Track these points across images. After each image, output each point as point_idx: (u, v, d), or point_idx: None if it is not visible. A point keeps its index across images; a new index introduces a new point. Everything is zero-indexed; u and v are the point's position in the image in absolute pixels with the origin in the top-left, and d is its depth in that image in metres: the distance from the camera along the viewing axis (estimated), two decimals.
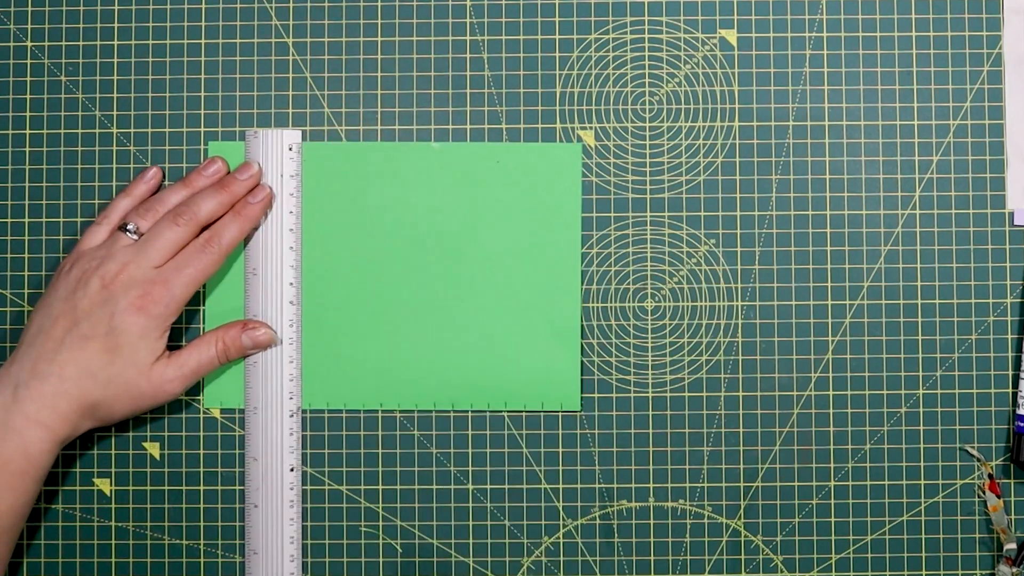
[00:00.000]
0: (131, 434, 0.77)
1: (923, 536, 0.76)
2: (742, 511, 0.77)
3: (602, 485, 0.77)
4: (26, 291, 0.78)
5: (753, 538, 0.77)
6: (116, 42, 0.78)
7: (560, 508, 0.77)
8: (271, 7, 0.78)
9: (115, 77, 0.78)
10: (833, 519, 0.76)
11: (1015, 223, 0.77)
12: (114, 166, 0.78)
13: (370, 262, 0.77)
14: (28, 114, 0.78)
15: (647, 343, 0.77)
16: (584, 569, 0.77)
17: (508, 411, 0.77)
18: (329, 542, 0.77)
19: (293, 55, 0.78)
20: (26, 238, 0.78)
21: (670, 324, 0.77)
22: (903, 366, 0.76)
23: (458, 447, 0.77)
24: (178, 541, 0.77)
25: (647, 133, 0.77)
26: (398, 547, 0.77)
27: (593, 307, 0.77)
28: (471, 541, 0.77)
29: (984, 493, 0.76)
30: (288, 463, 0.76)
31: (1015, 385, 0.76)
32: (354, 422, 0.77)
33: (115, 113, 0.78)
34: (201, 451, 0.77)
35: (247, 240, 0.76)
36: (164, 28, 0.78)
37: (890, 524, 0.76)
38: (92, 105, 0.78)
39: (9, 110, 0.78)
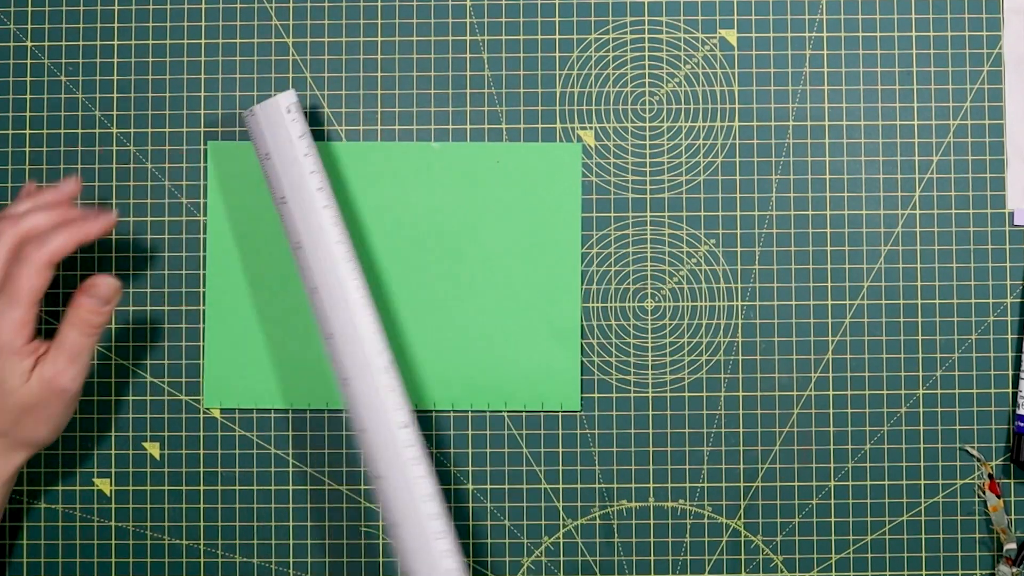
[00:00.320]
0: (131, 434, 0.77)
1: (923, 536, 0.76)
2: (742, 511, 0.77)
3: (602, 485, 0.77)
4: None
5: (753, 538, 0.77)
6: (116, 42, 0.78)
7: (560, 508, 0.77)
8: (271, 7, 0.78)
9: (115, 77, 0.78)
10: (833, 519, 0.76)
11: (1015, 223, 0.77)
12: (114, 166, 0.78)
13: (370, 262, 0.77)
14: (28, 114, 0.78)
15: (647, 343, 0.77)
16: (584, 569, 0.77)
17: (508, 411, 0.77)
18: (329, 542, 0.77)
19: (293, 55, 0.78)
20: None
21: (670, 324, 0.77)
22: (903, 366, 0.76)
23: (458, 447, 0.77)
24: (178, 541, 0.77)
25: (647, 133, 0.77)
26: None
27: (593, 307, 0.77)
28: (471, 541, 0.77)
29: (984, 493, 0.76)
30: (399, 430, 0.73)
31: (1015, 385, 0.76)
32: None
33: (115, 113, 0.78)
34: (201, 451, 0.77)
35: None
36: (164, 28, 0.78)
37: (890, 524, 0.76)
38: (92, 105, 0.78)
39: (9, 110, 0.78)
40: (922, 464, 0.76)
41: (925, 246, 0.77)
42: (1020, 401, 0.75)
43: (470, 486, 0.77)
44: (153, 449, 0.77)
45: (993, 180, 0.77)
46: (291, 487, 0.77)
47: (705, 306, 0.77)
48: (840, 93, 0.77)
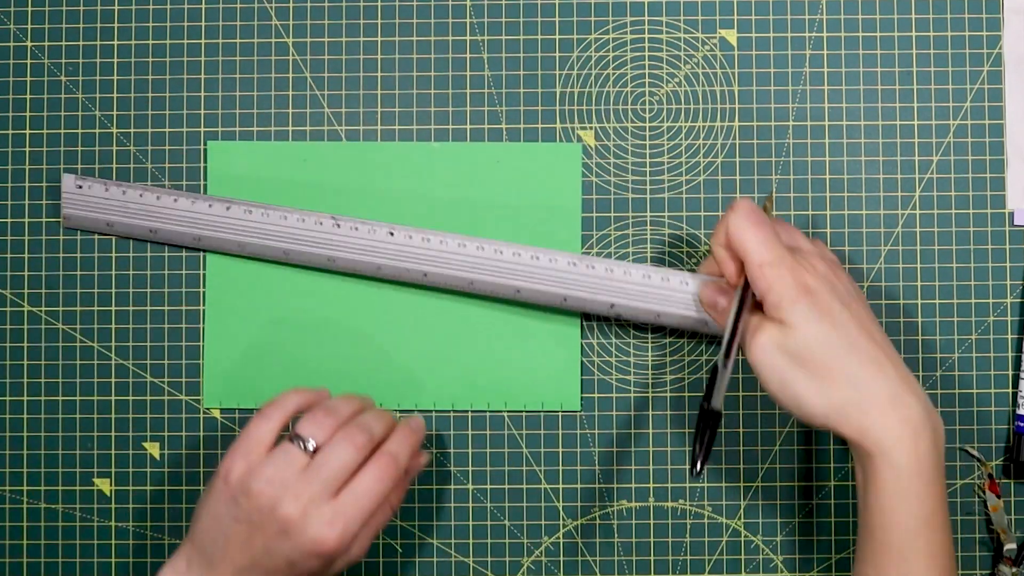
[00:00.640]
0: (131, 434, 0.77)
1: None
2: (742, 511, 0.77)
3: (602, 485, 0.77)
4: (26, 291, 0.78)
5: (753, 538, 0.77)
6: (116, 42, 0.78)
7: (560, 508, 0.77)
8: (271, 7, 0.78)
9: (115, 77, 0.78)
10: (833, 519, 0.76)
11: (1015, 223, 0.77)
12: (114, 166, 0.78)
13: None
14: (28, 114, 0.78)
15: (647, 343, 0.77)
16: (584, 569, 0.77)
17: (508, 411, 0.77)
18: None
19: (293, 55, 0.78)
20: (26, 238, 0.78)
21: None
22: None
23: (458, 447, 0.77)
24: (178, 541, 0.77)
25: (647, 133, 0.77)
26: (398, 547, 0.77)
27: None
28: (471, 541, 0.77)
29: (984, 493, 0.76)
30: None
31: (1015, 385, 0.76)
32: None
33: (115, 113, 0.78)
34: (201, 451, 0.77)
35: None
36: (164, 28, 0.78)
37: None
38: (92, 105, 0.78)
39: (9, 110, 0.78)
40: None
41: (925, 246, 0.77)
42: (1020, 401, 0.75)
43: (470, 486, 0.77)
44: (153, 449, 0.77)
45: (993, 180, 0.77)
46: None
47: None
48: (840, 93, 0.77)
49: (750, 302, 0.66)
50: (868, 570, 0.65)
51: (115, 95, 0.78)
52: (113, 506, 0.77)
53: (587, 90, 0.78)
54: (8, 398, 0.77)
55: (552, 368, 0.76)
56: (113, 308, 0.78)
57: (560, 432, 0.77)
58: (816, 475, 0.77)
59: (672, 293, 0.73)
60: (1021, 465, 0.75)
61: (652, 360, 0.77)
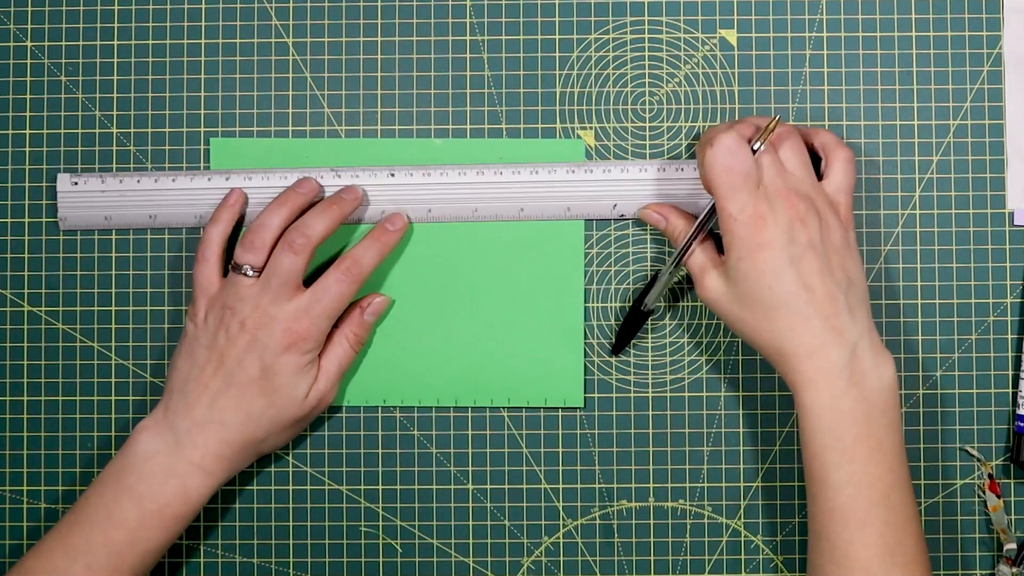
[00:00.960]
0: (130, 434, 0.77)
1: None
2: (742, 511, 0.77)
3: (602, 485, 0.77)
4: (26, 291, 0.78)
5: (753, 538, 0.77)
6: (116, 42, 0.78)
7: (560, 508, 0.77)
8: (271, 7, 0.78)
9: (115, 77, 0.78)
10: None
11: (1015, 223, 0.77)
12: (114, 166, 0.78)
13: None
14: (28, 114, 0.78)
15: (647, 343, 0.77)
16: (584, 569, 0.77)
17: (508, 411, 0.77)
18: (329, 542, 0.77)
19: (293, 55, 0.78)
20: (26, 238, 0.78)
21: (670, 324, 0.77)
22: (903, 366, 0.76)
23: (458, 447, 0.77)
24: (178, 541, 0.77)
25: (647, 133, 0.77)
26: (398, 547, 0.77)
27: (593, 307, 0.77)
28: (471, 541, 0.77)
29: (984, 493, 0.76)
30: None
31: (1015, 385, 0.76)
32: (354, 422, 0.77)
33: (115, 113, 0.78)
34: None
35: None
36: (164, 28, 0.78)
37: None
38: (92, 105, 0.78)
39: (9, 110, 0.78)
40: (922, 464, 0.76)
41: (925, 246, 0.77)
42: (1020, 401, 0.75)
43: (470, 486, 0.77)
44: None
45: (993, 180, 0.77)
46: (291, 487, 0.77)
47: (705, 306, 0.77)
48: (840, 93, 0.77)
49: (707, 227, 0.71)
50: (808, 503, 0.69)
51: (115, 95, 0.78)
52: None
53: (587, 90, 0.78)
54: (8, 398, 0.77)
55: (555, 364, 0.76)
56: (113, 308, 0.78)
57: (560, 432, 0.77)
58: None
59: (669, 183, 0.75)
60: (1021, 465, 0.75)
61: (652, 360, 0.77)
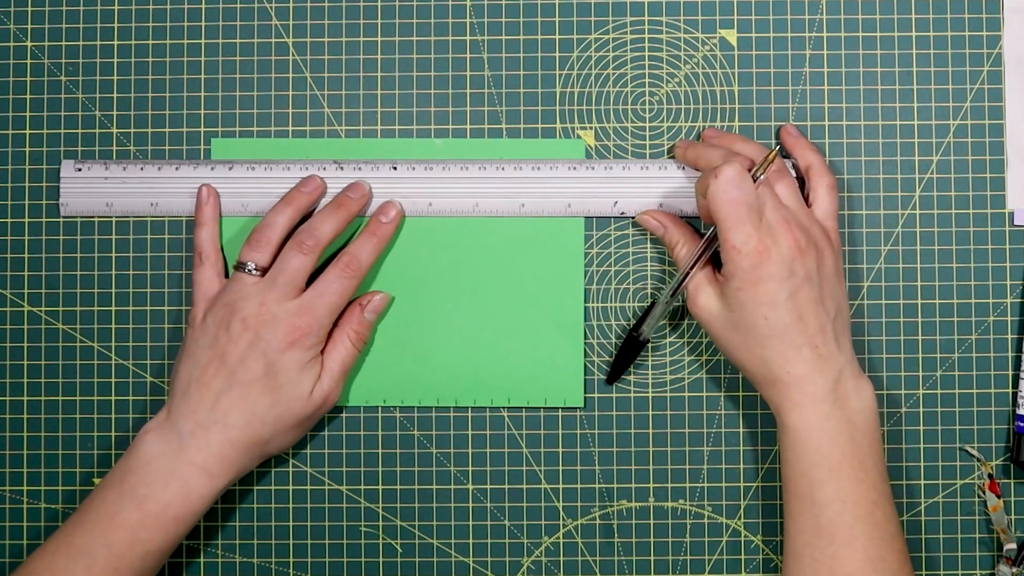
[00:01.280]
0: (131, 434, 0.77)
1: (923, 536, 0.76)
2: (742, 511, 0.77)
3: (602, 485, 0.77)
4: (26, 291, 0.78)
5: (753, 538, 0.77)
6: (116, 42, 0.78)
7: (560, 508, 0.77)
8: (271, 7, 0.78)
9: (115, 77, 0.78)
10: None
11: (1015, 223, 0.77)
12: None
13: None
14: (28, 114, 0.78)
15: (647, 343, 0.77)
16: (584, 569, 0.77)
17: (508, 411, 0.77)
18: (329, 542, 0.77)
19: (293, 55, 0.78)
20: (26, 238, 0.78)
21: (670, 324, 0.77)
22: (903, 366, 0.76)
23: (458, 447, 0.77)
24: None
25: (647, 133, 0.77)
26: (398, 547, 0.77)
27: (593, 307, 0.77)
28: (471, 541, 0.77)
29: (984, 493, 0.76)
30: None
31: (1015, 385, 0.76)
32: (354, 422, 0.77)
33: (115, 113, 0.78)
34: None
35: None
36: (164, 28, 0.78)
37: None
38: (92, 105, 0.78)
39: (9, 110, 0.78)
40: (922, 464, 0.76)
41: (925, 246, 0.77)
42: (1020, 401, 0.75)
43: (470, 486, 0.77)
44: None
45: (993, 180, 0.77)
46: (291, 487, 0.77)
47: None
48: (840, 93, 0.77)
49: (707, 256, 0.72)
50: (787, 522, 0.69)
51: (115, 95, 0.78)
52: None
53: (587, 90, 0.78)
54: (8, 398, 0.77)
55: (555, 363, 0.76)
56: (113, 308, 0.78)
57: (560, 432, 0.77)
58: None
59: (670, 181, 0.75)
60: (1021, 465, 0.75)
61: (652, 360, 0.77)
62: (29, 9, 0.78)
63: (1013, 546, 0.75)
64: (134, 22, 0.78)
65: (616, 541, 0.77)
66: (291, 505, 0.77)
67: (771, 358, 0.69)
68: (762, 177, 0.69)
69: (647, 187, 0.76)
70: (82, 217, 0.77)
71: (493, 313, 0.76)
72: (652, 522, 0.77)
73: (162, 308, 0.77)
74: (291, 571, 0.77)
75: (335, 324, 0.74)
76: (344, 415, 0.77)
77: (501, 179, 0.76)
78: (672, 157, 0.76)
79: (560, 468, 0.77)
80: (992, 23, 0.77)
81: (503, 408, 0.77)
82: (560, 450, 0.77)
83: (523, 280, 0.76)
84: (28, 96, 0.78)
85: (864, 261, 0.77)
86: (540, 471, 0.77)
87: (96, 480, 0.77)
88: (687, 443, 0.77)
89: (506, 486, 0.77)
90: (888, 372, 0.76)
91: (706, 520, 0.77)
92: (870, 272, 0.77)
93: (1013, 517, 0.76)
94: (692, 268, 0.71)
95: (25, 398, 0.77)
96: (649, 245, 0.77)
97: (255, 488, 0.77)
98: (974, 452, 0.76)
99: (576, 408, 0.77)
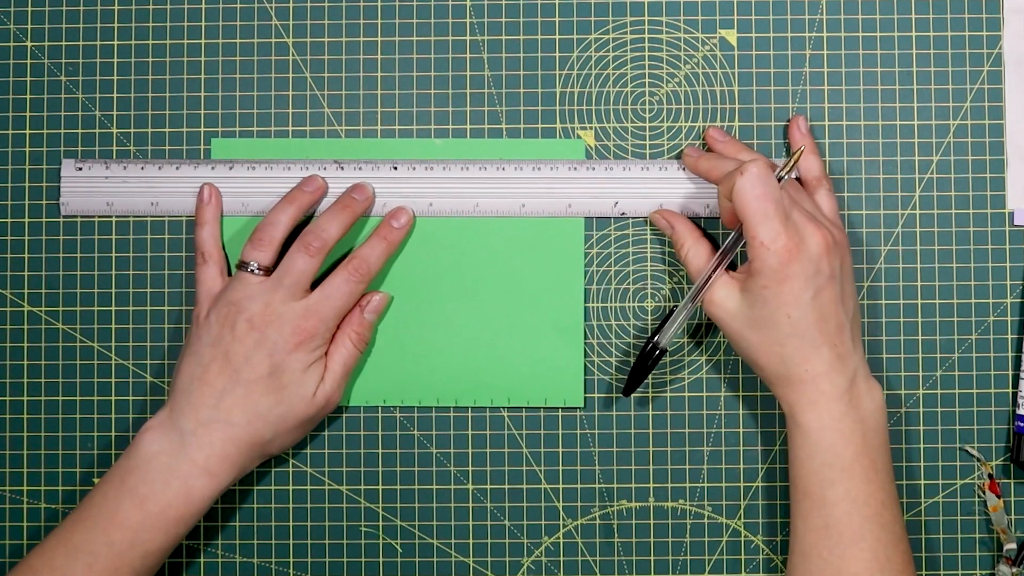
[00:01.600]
0: (131, 434, 0.77)
1: (923, 536, 0.76)
2: (742, 511, 0.77)
3: (602, 485, 0.77)
4: (26, 291, 0.78)
5: (753, 538, 0.77)
6: (116, 42, 0.78)
7: (560, 508, 0.77)
8: (271, 7, 0.78)
9: (115, 77, 0.78)
10: None
11: (1015, 223, 0.77)
12: None
13: None
14: (28, 114, 0.78)
15: None
16: (584, 569, 0.77)
17: (508, 411, 0.77)
18: (329, 542, 0.77)
19: (293, 55, 0.78)
20: (26, 238, 0.78)
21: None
22: (903, 366, 0.76)
23: (458, 447, 0.77)
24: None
25: (647, 133, 0.77)
26: (398, 547, 0.77)
27: (593, 307, 0.77)
28: (471, 541, 0.77)
29: (984, 493, 0.76)
30: None
31: (1015, 385, 0.76)
32: (354, 422, 0.77)
33: (115, 114, 0.78)
34: None
35: None
36: (164, 28, 0.78)
37: None
38: (92, 105, 0.78)
39: (9, 110, 0.78)
40: (922, 464, 0.76)
41: (925, 246, 0.77)
42: (1020, 401, 0.75)
43: (470, 486, 0.77)
44: None
45: (993, 180, 0.77)
46: (291, 487, 0.77)
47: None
48: (840, 93, 0.77)
49: (730, 259, 0.71)
50: (795, 520, 0.69)
51: (115, 95, 0.78)
52: None
53: (587, 90, 0.78)
54: (8, 398, 0.77)
55: (555, 363, 0.76)
56: (113, 308, 0.78)
57: (560, 432, 0.77)
58: None
59: (671, 182, 0.75)
60: (1021, 465, 0.75)
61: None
62: (29, 9, 0.78)
63: (1013, 546, 0.75)
64: (134, 22, 0.78)
65: (616, 541, 0.77)
66: (291, 505, 0.77)
67: (790, 356, 0.69)
68: (787, 177, 0.69)
69: (647, 187, 0.76)
70: (82, 217, 0.77)
71: (493, 313, 0.76)
72: (652, 522, 0.77)
73: (162, 308, 0.77)
74: (291, 571, 0.77)
75: (337, 326, 0.74)
76: (344, 415, 0.77)
77: (501, 179, 0.76)
78: (678, 162, 0.76)
79: (560, 468, 0.77)
80: (992, 23, 0.77)
81: (503, 408, 0.77)
82: (560, 450, 0.77)
83: (523, 280, 0.76)
84: (28, 96, 0.78)
85: (864, 261, 0.77)
86: (540, 471, 0.77)
87: (96, 480, 0.77)
88: (687, 443, 0.77)
89: (506, 486, 0.77)
90: (888, 372, 0.76)
91: (706, 520, 0.77)
92: (870, 272, 0.77)
93: (1013, 517, 0.76)
94: (714, 271, 0.71)
95: (25, 398, 0.78)
96: (649, 245, 0.77)
97: (255, 488, 0.77)
98: (974, 452, 0.76)
99: (576, 408, 0.77)
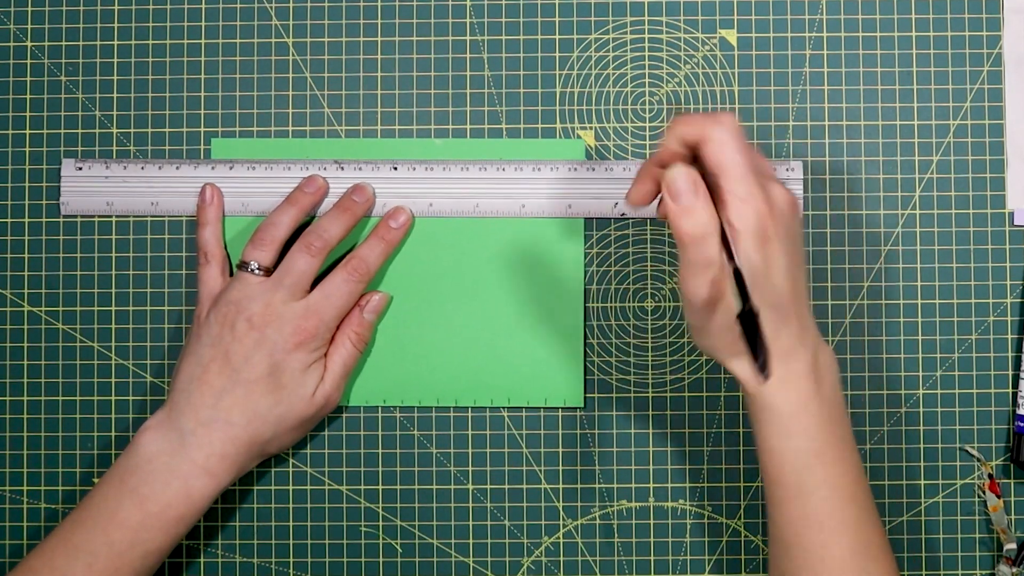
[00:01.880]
0: (131, 434, 0.77)
1: (923, 536, 0.76)
2: (742, 511, 0.77)
3: (602, 485, 0.77)
4: (26, 291, 0.78)
5: (753, 538, 0.77)
6: (116, 42, 0.78)
7: (560, 508, 0.77)
8: (271, 7, 0.78)
9: (115, 77, 0.78)
10: None
11: (1015, 223, 0.77)
12: None
13: None
14: (28, 114, 0.78)
15: (647, 343, 0.77)
16: (584, 569, 0.77)
17: (508, 411, 0.77)
18: (329, 542, 0.77)
19: (293, 55, 0.78)
20: (26, 238, 0.78)
21: (670, 324, 0.77)
22: (903, 366, 0.76)
23: (458, 447, 0.77)
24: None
25: (647, 133, 0.77)
26: (398, 547, 0.77)
27: (593, 307, 0.77)
28: (471, 541, 0.77)
29: (984, 493, 0.76)
30: None
31: (1015, 385, 0.76)
32: (354, 422, 0.77)
33: (115, 114, 0.78)
34: None
35: None
36: (164, 28, 0.78)
37: (890, 524, 0.76)
38: (92, 105, 0.78)
39: (9, 110, 0.78)
40: (922, 464, 0.76)
41: (925, 246, 0.77)
42: (1020, 401, 0.75)
43: (470, 486, 0.77)
44: None
45: (993, 180, 0.77)
46: (291, 487, 0.77)
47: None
48: (840, 93, 0.77)
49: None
50: (772, 510, 0.66)
51: (115, 95, 0.78)
52: None
53: (587, 90, 0.78)
54: (8, 398, 0.78)
55: (555, 364, 0.76)
56: (113, 308, 0.78)
57: (560, 432, 0.77)
58: None
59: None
60: (1021, 465, 0.75)
61: (652, 360, 0.77)
62: (29, 9, 0.78)
63: (1013, 546, 0.75)
64: (134, 22, 0.78)
65: (616, 541, 0.77)
66: (291, 505, 0.77)
67: (763, 331, 0.63)
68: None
69: None
70: (82, 217, 0.77)
71: (493, 313, 0.76)
72: (652, 522, 0.77)
73: (162, 308, 0.77)
74: (291, 571, 0.77)
75: (336, 326, 0.74)
76: (344, 415, 0.77)
77: (501, 180, 0.76)
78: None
79: (560, 468, 0.77)
80: (992, 23, 0.77)
81: (503, 408, 0.77)
82: (560, 450, 0.77)
83: (523, 280, 0.76)
84: (28, 96, 0.78)
85: (864, 261, 0.77)
86: (540, 471, 0.77)
87: (96, 480, 0.77)
88: (687, 443, 0.77)
89: (506, 486, 0.77)
90: (888, 372, 0.76)
91: (706, 520, 0.77)
92: (870, 272, 0.77)
93: (1013, 517, 0.76)
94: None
95: (25, 398, 0.78)
96: (649, 245, 0.77)
97: (255, 488, 0.77)
98: (974, 452, 0.76)
99: (576, 408, 0.77)
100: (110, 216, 0.78)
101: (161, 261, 0.78)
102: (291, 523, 0.77)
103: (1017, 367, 0.76)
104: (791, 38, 0.77)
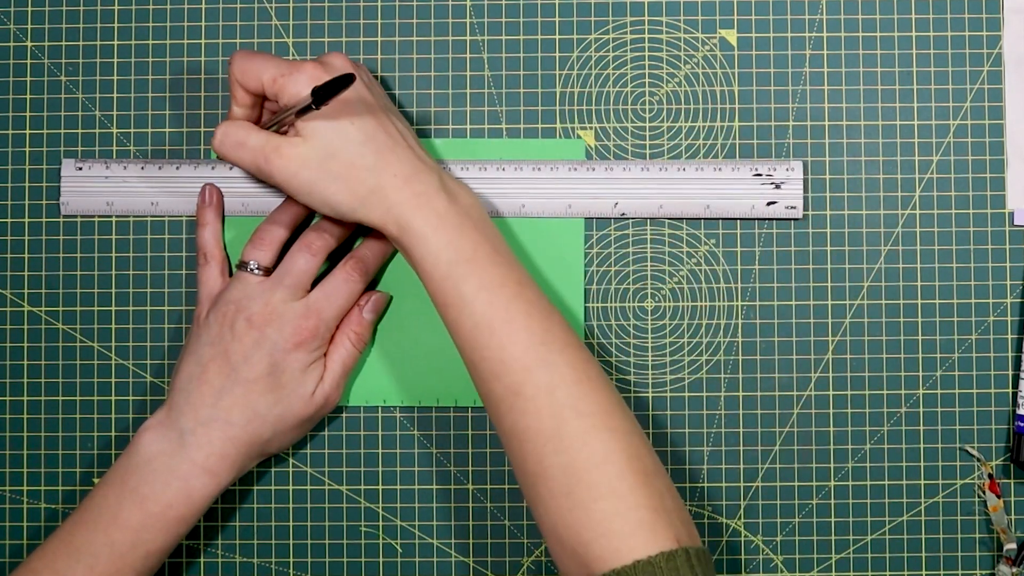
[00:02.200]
0: (131, 434, 0.77)
1: (923, 536, 0.76)
2: (742, 511, 0.77)
3: None
4: (26, 291, 0.78)
5: (753, 538, 0.77)
6: (116, 42, 0.78)
7: None
8: (271, 7, 0.78)
9: (115, 77, 0.78)
10: (833, 519, 0.76)
11: (1015, 223, 0.77)
12: None
13: None
14: (28, 114, 0.78)
15: (647, 343, 0.77)
16: None
17: None
18: (329, 542, 0.77)
19: (293, 55, 0.78)
20: (26, 238, 0.78)
21: (670, 324, 0.77)
22: (903, 366, 0.76)
23: (458, 447, 0.77)
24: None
25: (647, 133, 0.77)
26: (398, 547, 0.77)
27: (593, 307, 0.77)
28: (471, 541, 0.77)
29: (984, 493, 0.76)
30: None
31: (1015, 385, 0.76)
32: (354, 422, 0.77)
33: (115, 114, 0.78)
34: None
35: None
36: (164, 28, 0.78)
37: (890, 524, 0.76)
38: (92, 105, 0.78)
39: (9, 110, 0.78)
40: (922, 464, 0.76)
41: (925, 246, 0.77)
42: (1020, 401, 0.75)
43: (470, 486, 0.77)
44: None
45: (993, 180, 0.77)
46: (291, 487, 0.77)
47: (705, 306, 0.77)
48: (840, 93, 0.77)
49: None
50: (454, 336, 0.68)
51: (115, 95, 0.78)
52: None
53: (587, 90, 0.78)
54: (8, 398, 0.78)
55: None
56: (113, 308, 0.78)
57: None
58: (816, 475, 0.77)
59: (671, 183, 0.75)
60: (1021, 465, 0.75)
61: (652, 360, 0.77)
62: (29, 9, 0.78)
63: (1013, 546, 0.75)
64: (134, 22, 0.78)
65: None
66: (291, 505, 0.77)
67: (372, 164, 0.68)
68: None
69: (647, 188, 0.76)
70: (82, 217, 0.77)
71: None
72: None
73: (162, 308, 0.77)
74: (291, 571, 0.77)
75: (336, 326, 0.74)
76: (344, 415, 0.77)
77: (501, 179, 0.76)
78: (679, 162, 0.76)
79: None
80: (992, 23, 0.77)
81: None
82: None
83: None
84: (28, 96, 0.78)
85: (864, 261, 0.77)
86: None
87: (96, 480, 0.77)
88: (687, 443, 0.77)
89: (506, 486, 0.77)
90: (888, 372, 0.76)
91: (706, 520, 0.77)
92: (870, 272, 0.77)
93: (1013, 517, 0.76)
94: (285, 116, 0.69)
95: (25, 398, 0.78)
96: (649, 245, 0.77)
97: (255, 488, 0.77)
98: (974, 452, 0.76)
99: None
100: (110, 216, 0.78)
101: (161, 261, 0.78)
102: (291, 523, 0.77)
103: (1017, 367, 0.76)
104: (791, 38, 0.77)
